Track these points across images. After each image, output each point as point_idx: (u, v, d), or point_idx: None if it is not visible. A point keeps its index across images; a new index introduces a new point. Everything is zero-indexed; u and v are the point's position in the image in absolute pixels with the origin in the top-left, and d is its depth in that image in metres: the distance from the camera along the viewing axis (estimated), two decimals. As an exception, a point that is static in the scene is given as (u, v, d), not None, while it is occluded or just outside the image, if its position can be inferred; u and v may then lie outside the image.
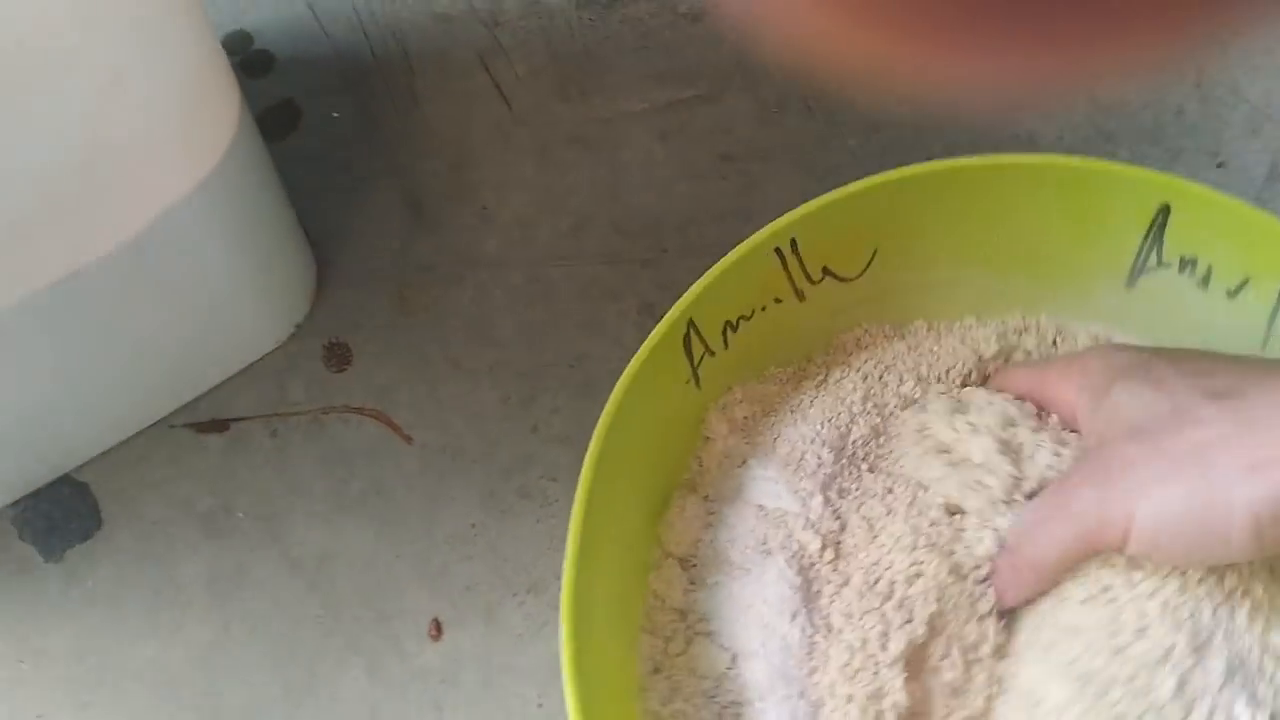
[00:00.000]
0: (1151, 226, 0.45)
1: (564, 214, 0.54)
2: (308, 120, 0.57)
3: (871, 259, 0.46)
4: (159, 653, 0.46)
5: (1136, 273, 0.46)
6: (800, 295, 0.46)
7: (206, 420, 0.51)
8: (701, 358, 0.45)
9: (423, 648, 0.46)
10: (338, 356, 0.52)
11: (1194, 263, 0.45)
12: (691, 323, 0.43)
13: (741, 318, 0.45)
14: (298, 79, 0.58)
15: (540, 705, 0.45)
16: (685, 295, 0.43)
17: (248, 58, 0.58)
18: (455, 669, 0.46)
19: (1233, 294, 0.44)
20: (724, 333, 0.45)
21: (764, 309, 0.46)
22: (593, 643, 0.39)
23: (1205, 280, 0.45)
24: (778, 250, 0.44)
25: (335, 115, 0.57)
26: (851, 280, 0.47)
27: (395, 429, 0.50)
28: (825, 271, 0.46)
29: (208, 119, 0.43)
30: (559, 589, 0.46)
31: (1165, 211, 0.44)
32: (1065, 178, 0.45)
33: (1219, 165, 0.55)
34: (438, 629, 0.46)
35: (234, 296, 0.49)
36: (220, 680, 0.46)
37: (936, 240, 0.46)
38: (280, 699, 0.45)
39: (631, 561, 0.43)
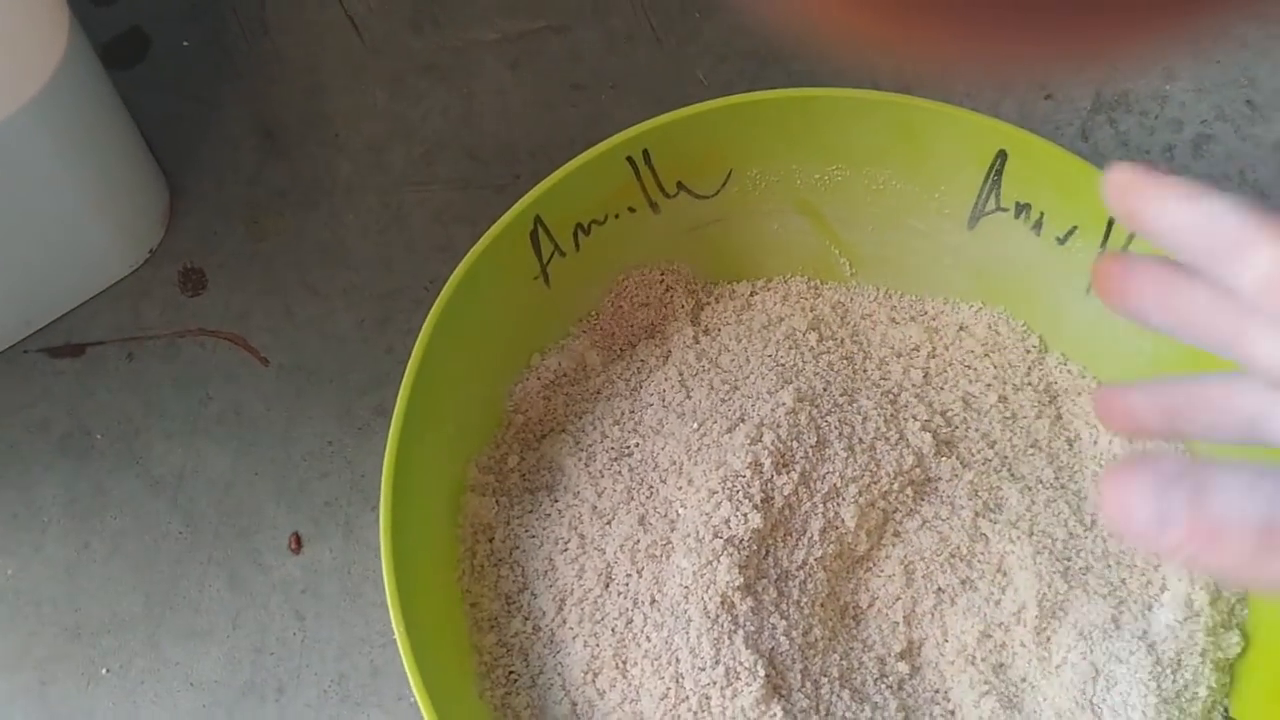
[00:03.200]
0: (990, 170, 0.47)
1: (416, 142, 0.56)
2: (157, 48, 0.57)
3: (726, 179, 0.48)
4: (19, 571, 0.47)
5: (976, 215, 0.48)
6: (655, 207, 0.48)
7: (61, 344, 0.51)
8: (551, 256, 0.46)
9: (283, 561, 0.48)
10: (193, 281, 0.53)
11: (1028, 208, 0.47)
12: (539, 219, 0.45)
13: (594, 222, 0.47)
14: (146, 6, 0.58)
15: (397, 609, 0.47)
16: (531, 192, 0.44)
17: (94, -16, 0.58)
18: (315, 580, 0.48)
19: (1062, 240, 0.47)
20: (575, 234, 0.47)
21: (617, 216, 0.47)
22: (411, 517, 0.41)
23: (1038, 226, 0.47)
24: (630, 159, 0.46)
25: (185, 44, 0.57)
26: (708, 198, 0.49)
27: (252, 351, 0.51)
28: (680, 186, 0.48)
29: (33, 38, 0.43)
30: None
31: (1003, 157, 0.46)
32: (909, 117, 0.46)
33: (1046, 97, 0.58)
34: (298, 543, 0.48)
35: (82, 221, 0.49)
36: (81, 597, 0.47)
37: (784, 169, 0.48)
38: (142, 613, 0.47)
39: (460, 438, 0.45)
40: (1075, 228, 0.46)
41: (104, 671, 0.46)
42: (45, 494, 0.49)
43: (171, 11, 0.58)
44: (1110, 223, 0.46)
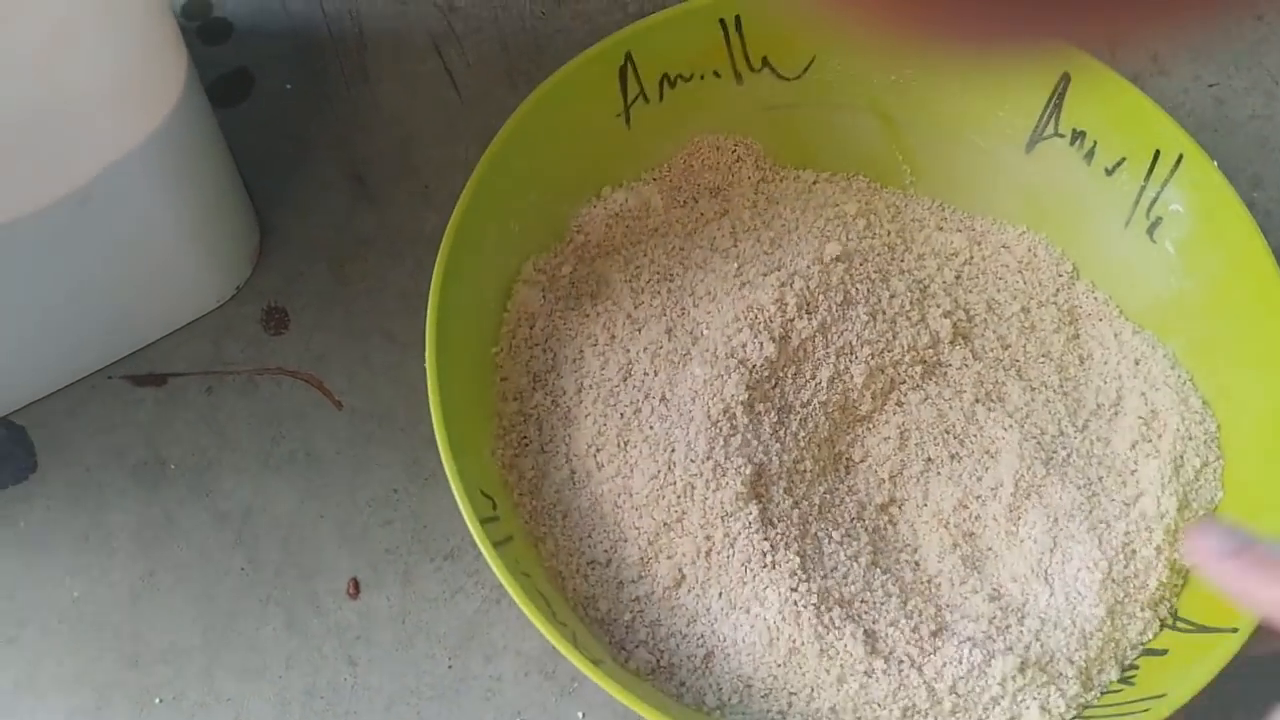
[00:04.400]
0: (1053, 93, 0.49)
1: (504, 198, 0.56)
2: (260, 89, 0.59)
3: (810, 64, 0.51)
4: (85, 594, 0.48)
5: (1035, 138, 0.50)
6: (739, 77, 0.51)
7: (144, 374, 0.52)
8: (635, 99, 0.50)
9: (340, 605, 0.48)
10: (276, 320, 0.54)
11: (1083, 136, 0.49)
12: (630, 56, 0.48)
13: (680, 76, 0.50)
14: (254, 49, 0.60)
15: (450, 667, 0.47)
16: (626, 28, 0.48)
17: (207, 24, 0.60)
18: (370, 627, 0.48)
19: (1110, 172, 0.49)
20: (661, 84, 0.50)
21: (702, 77, 0.51)
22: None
23: (1089, 155, 0.49)
24: (722, 22, 0.49)
25: (288, 87, 0.59)
26: (789, 80, 0.51)
27: (326, 394, 0.52)
28: (765, 62, 0.51)
29: (154, 77, 0.45)
30: (475, 556, 0.49)
31: (1066, 81, 0.49)
32: None
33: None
34: (356, 588, 0.49)
35: (177, 255, 0.50)
36: (143, 624, 0.48)
37: (864, 66, 0.51)
38: (200, 646, 0.48)
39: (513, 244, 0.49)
40: (1124, 159, 0.49)
41: (157, 701, 0.47)
42: (116, 519, 0.50)
43: (277, 54, 0.60)
44: (1155, 157, 0.48)
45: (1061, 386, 0.49)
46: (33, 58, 0.39)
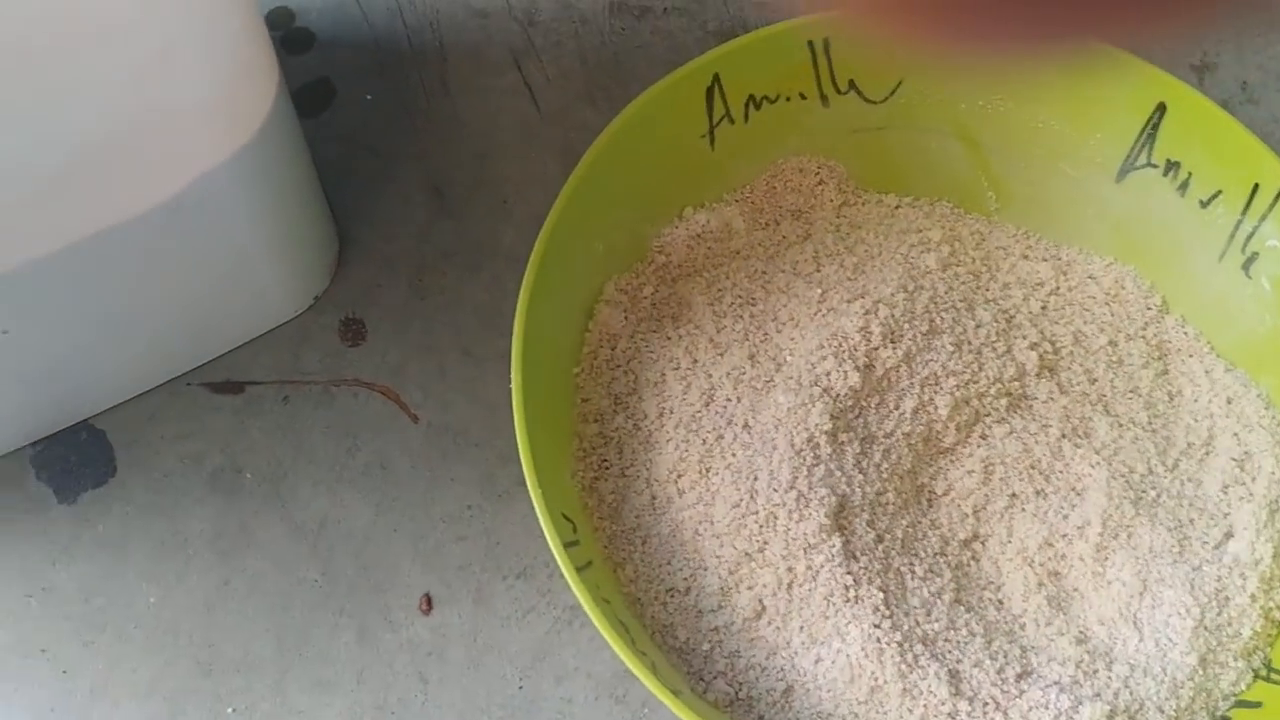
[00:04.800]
0: (1147, 123, 0.48)
1: (582, 215, 0.56)
2: (341, 100, 0.59)
3: (896, 88, 0.51)
4: (161, 600, 0.48)
5: (1126, 168, 0.50)
6: (825, 99, 0.51)
7: (223, 381, 0.53)
8: (721, 120, 0.49)
9: (413, 620, 0.48)
10: (353, 331, 0.54)
11: (1177, 166, 0.48)
12: (717, 78, 0.48)
13: (766, 98, 0.50)
14: (335, 59, 0.60)
15: (521, 687, 0.47)
16: (715, 49, 0.48)
17: (289, 34, 0.60)
18: (442, 644, 0.48)
19: (1205, 204, 0.48)
20: (747, 105, 0.50)
21: (788, 99, 0.50)
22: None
23: (1184, 186, 0.48)
24: (810, 44, 0.49)
25: (369, 98, 0.59)
26: (875, 103, 0.51)
27: (403, 406, 0.52)
28: (852, 85, 0.50)
29: (247, 92, 0.45)
30: (548, 576, 0.49)
31: (1161, 110, 0.48)
32: (1078, 56, 0.48)
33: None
34: (428, 604, 0.49)
35: (259, 264, 0.50)
36: (216, 633, 0.48)
37: (951, 91, 0.50)
38: (273, 657, 0.48)
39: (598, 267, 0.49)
40: (1220, 192, 0.48)
41: (230, 710, 0.47)
42: (193, 526, 0.50)
43: (360, 65, 0.60)
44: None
45: (1150, 424, 0.48)
46: (132, 76, 0.39)
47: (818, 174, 0.52)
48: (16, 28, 0.35)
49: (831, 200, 0.52)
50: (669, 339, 0.48)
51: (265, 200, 0.48)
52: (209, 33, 0.41)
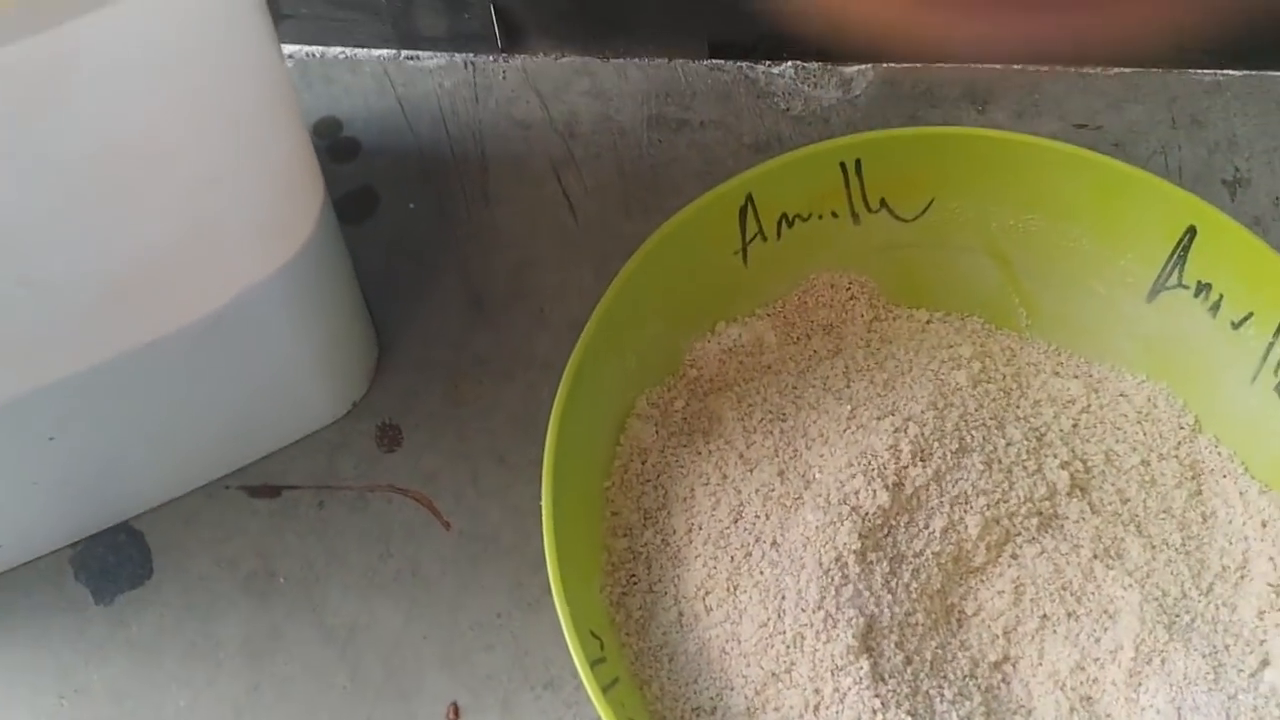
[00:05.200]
0: (1178, 245, 0.49)
1: (616, 324, 0.57)
2: (385, 207, 0.61)
3: (928, 206, 0.52)
4: (191, 704, 0.49)
5: (1157, 288, 0.50)
6: (856, 217, 0.52)
7: (260, 484, 0.53)
8: (754, 238, 0.51)
9: (439, 728, 0.48)
10: (389, 437, 0.55)
11: (1209, 288, 0.49)
12: (751, 198, 0.49)
13: (798, 216, 0.51)
14: (380, 168, 0.62)
15: (545, 798, 0.47)
16: (749, 170, 0.49)
17: (335, 143, 0.62)
18: (468, 753, 0.48)
19: (1236, 325, 0.48)
20: (779, 223, 0.51)
21: (820, 217, 0.51)
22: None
23: (1215, 308, 0.49)
24: (843, 165, 0.50)
25: (411, 206, 0.61)
26: (906, 221, 0.52)
27: (436, 513, 0.53)
28: (883, 203, 0.51)
29: (293, 209, 0.47)
30: (575, 688, 0.49)
31: (1192, 233, 0.48)
32: (1110, 179, 0.49)
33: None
34: (455, 713, 0.49)
35: (300, 372, 0.52)
36: (245, 738, 0.48)
37: (983, 209, 0.51)
38: (299, 762, 0.48)
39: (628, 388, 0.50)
40: (1251, 314, 0.48)
41: (255, 817, 0.47)
42: (225, 629, 0.50)
43: (403, 174, 0.61)
44: None
45: (1184, 546, 0.47)
46: (183, 197, 0.41)
47: (849, 289, 0.53)
48: (74, 152, 0.37)
49: (863, 315, 0.53)
50: (699, 454, 0.49)
51: (308, 311, 0.49)
52: (258, 157, 0.42)
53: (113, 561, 0.52)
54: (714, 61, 0.65)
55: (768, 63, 0.64)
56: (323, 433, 0.55)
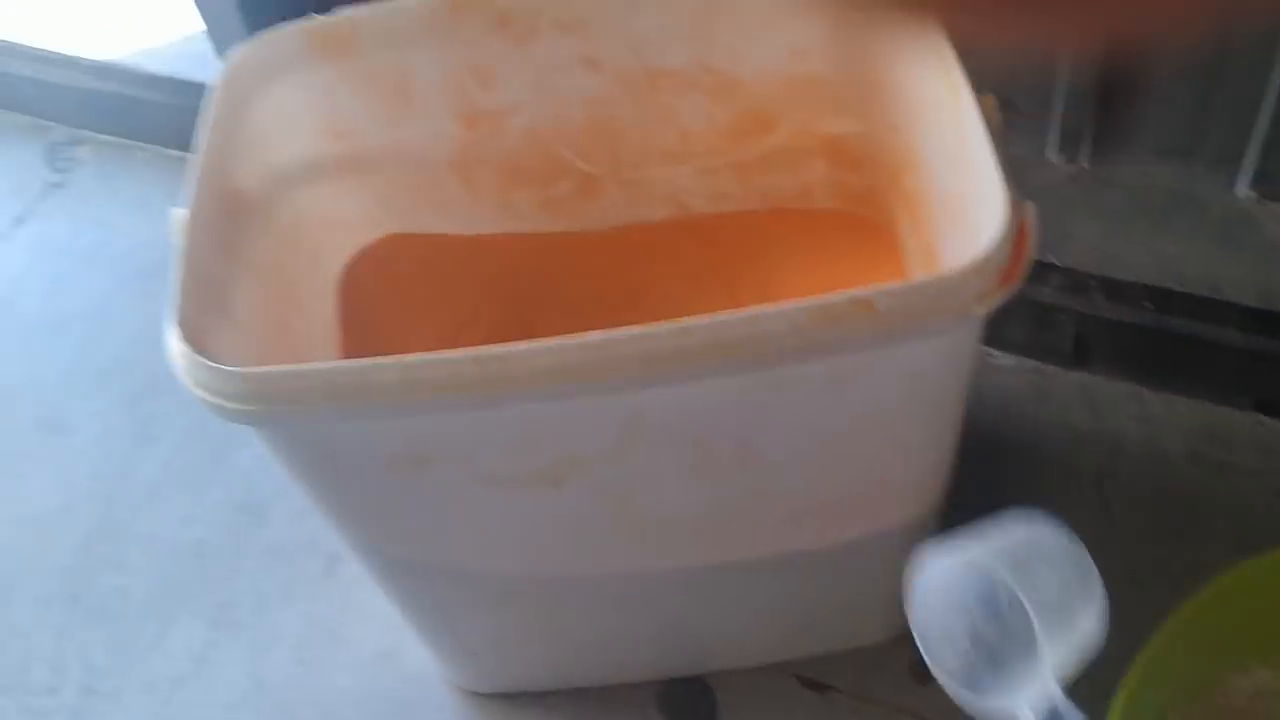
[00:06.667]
0: None
1: None
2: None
3: None
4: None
5: None
6: None
7: (810, 678, 0.65)
8: None
9: None
10: (925, 672, 0.64)
11: None
12: None
13: None
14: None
15: None
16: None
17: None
18: None
19: None
20: None
21: None
22: None
23: None
24: None
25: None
26: None
27: (950, 750, 0.62)
28: None
29: (932, 482, 0.58)
30: None
31: None
32: None
33: None
34: None
35: (871, 599, 0.63)
36: None
37: None
38: None
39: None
40: None
41: None
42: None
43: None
44: None
45: None
46: (854, 477, 0.54)
47: None
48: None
49: None
50: None
51: (903, 558, 0.61)
52: (922, 464, 0.55)
53: (686, 706, 0.64)
54: (1258, 415, 0.72)
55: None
56: (869, 648, 0.65)
